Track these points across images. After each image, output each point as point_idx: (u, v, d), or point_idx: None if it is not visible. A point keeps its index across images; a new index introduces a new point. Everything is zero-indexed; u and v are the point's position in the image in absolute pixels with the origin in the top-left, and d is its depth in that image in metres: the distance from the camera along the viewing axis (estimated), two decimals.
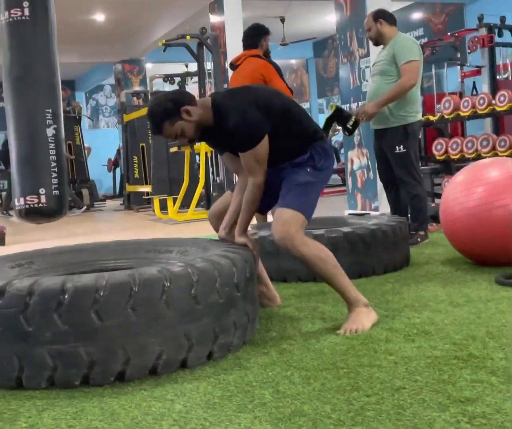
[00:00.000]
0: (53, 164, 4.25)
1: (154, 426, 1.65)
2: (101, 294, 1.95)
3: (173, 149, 8.18)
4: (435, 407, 1.64)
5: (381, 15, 4.40)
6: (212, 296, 2.15)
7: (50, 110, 4.28)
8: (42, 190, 4.16)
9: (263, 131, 2.44)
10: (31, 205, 4.15)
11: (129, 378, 1.99)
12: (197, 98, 2.58)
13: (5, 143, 10.88)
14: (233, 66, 4.46)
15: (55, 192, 4.23)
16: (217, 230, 2.82)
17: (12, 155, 4.30)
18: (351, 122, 4.18)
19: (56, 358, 1.93)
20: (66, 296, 1.93)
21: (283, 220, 2.45)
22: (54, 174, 4.23)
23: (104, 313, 1.95)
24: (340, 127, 4.35)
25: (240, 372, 2.03)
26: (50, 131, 4.25)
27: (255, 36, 4.33)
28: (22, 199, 4.18)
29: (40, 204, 4.15)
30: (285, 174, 2.57)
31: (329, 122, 4.17)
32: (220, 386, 1.91)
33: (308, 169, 2.54)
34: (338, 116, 4.17)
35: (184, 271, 2.10)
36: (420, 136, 7.33)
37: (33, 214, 4.23)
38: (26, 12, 4.20)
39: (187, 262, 2.22)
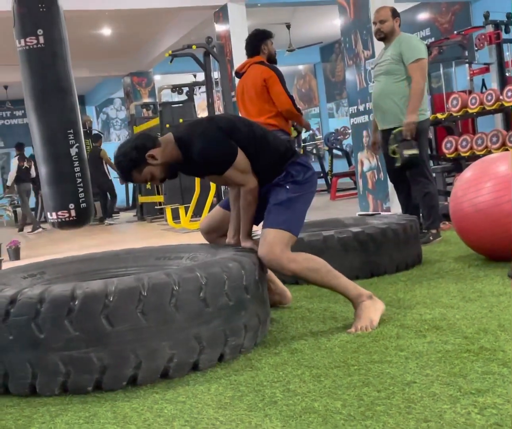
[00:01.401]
0: (79, 180, 4.65)
1: (165, 427, 1.67)
2: (111, 299, 1.97)
3: None
4: (446, 399, 1.63)
5: (398, 14, 4.41)
6: (221, 298, 2.16)
7: (72, 131, 4.65)
8: (71, 205, 4.61)
9: (233, 148, 2.45)
10: (63, 219, 4.63)
11: (141, 382, 2.00)
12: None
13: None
14: (238, 74, 4.49)
15: (82, 206, 4.69)
16: (210, 242, 2.90)
17: (41, 175, 4.72)
18: (410, 152, 4.17)
19: (69, 364, 1.96)
20: (76, 302, 1.96)
21: (267, 242, 2.44)
22: (81, 189, 4.66)
23: (114, 318, 1.97)
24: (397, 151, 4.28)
25: (251, 373, 2.03)
26: (73, 151, 4.61)
27: (255, 42, 4.35)
28: (54, 214, 4.66)
29: (71, 218, 4.63)
30: (267, 198, 2.57)
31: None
32: (231, 387, 1.92)
33: (288, 186, 2.53)
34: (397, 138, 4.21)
35: (193, 274, 2.12)
36: (430, 136, 7.31)
37: (64, 225, 4.71)
38: (41, 40, 4.44)
39: (195, 266, 2.23)
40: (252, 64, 4.31)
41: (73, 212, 4.59)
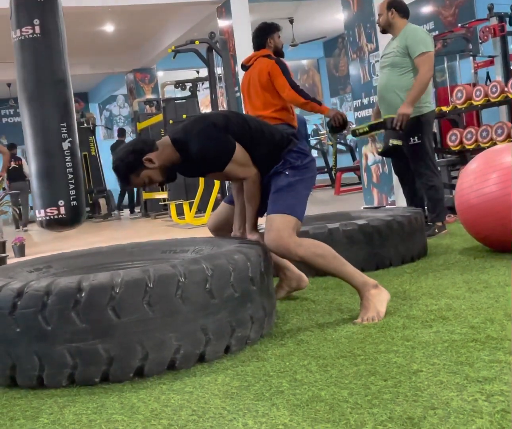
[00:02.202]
0: (70, 176, 4.46)
1: (173, 417, 1.67)
2: (117, 291, 1.97)
3: None
4: (453, 387, 1.63)
5: (395, 5, 4.36)
6: (227, 290, 2.16)
7: (65, 124, 4.46)
8: (61, 202, 4.41)
9: (231, 143, 2.45)
10: (52, 217, 4.40)
11: (148, 373, 2.01)
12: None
13: None
14: (245, 66, 4.49)
15: (73, 203, 4.48)
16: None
17: (31, 169, 4.53)
18: (395, 142, 4.26)
19: (76, 356, 1.96)
20: (83, 294, 1.96)
21: (273, 228, 2.45)
22: (72, 186, 4.45)
23: (121, 309, 1.97)
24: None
25: (258, 363, 2.04)
26: (65, 145, 4.43)
27: (261, 36, 4.36)
28: (42, 211, 4.44)
29: (60, 216, 4.40)
30: (269, 188, 2.58)
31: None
32: (238, 377, 1.93)
33: (287, 172, 2.54)
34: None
35: (199, 266, 2.12)
36: (435, 129, 7.28)
37: (53, 224, 4.47)
38: (37, 29, 4.34)
39: (201, 257, 2.23)
40: (259, 58, 4.32)
41: (62, 210, 4.41)
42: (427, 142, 4.29)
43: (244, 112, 4.66)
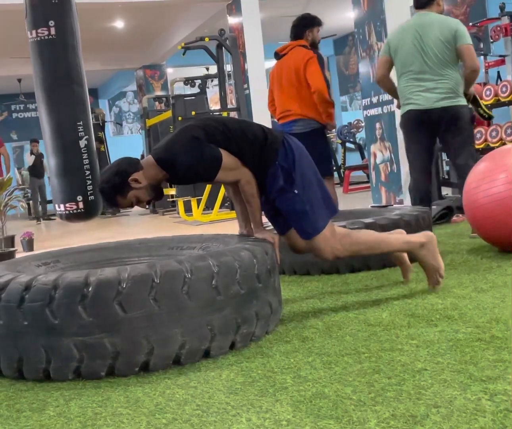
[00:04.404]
0: (87, 172, 4.70)
1: (177, 411, 1.69)
2: (124, 286, 1.99)
3: None
4: (456, 386, 1.63)
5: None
6: (233, 287, 2.17)
7: (81, 123, 4.67)
8: (79, 198, 4.66)
9: (217, 153, 2.43)
10: (71, 211, 4.68)
11: (153, 368, 2.03)
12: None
13: None
14: (278, 55, 4.49)
15: (90, 198, 4.72)
16: None
17: (50, 167, 4.79)
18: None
19: (82, 350, 1.98)
20: (90, 289, 1.98)
21: (316, 249, 2.60)
22: (89, 182, 4.69)
23: (127, 304, 1.99)
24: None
25: (263, 360, 2.05)
26: (82, 143, 4.69)
27: (300, 27, 4.41)
28: (62, 206, 4.71)
29: (79, 210, 4.67)
30: (279, 207, 2.59)
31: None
32: (242, 373, 1.94)
33: (296, 191, 2.53)
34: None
35: (205, 263, 2.13)
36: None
37: (72, 218, 4.76)
38: (52, 31, 4.45)
39: (207, 254, 2.24)
40: (296, 47, 4.34)
41: (80, 205, 4.65)
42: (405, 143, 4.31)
43: (269, 102, 4.64)
